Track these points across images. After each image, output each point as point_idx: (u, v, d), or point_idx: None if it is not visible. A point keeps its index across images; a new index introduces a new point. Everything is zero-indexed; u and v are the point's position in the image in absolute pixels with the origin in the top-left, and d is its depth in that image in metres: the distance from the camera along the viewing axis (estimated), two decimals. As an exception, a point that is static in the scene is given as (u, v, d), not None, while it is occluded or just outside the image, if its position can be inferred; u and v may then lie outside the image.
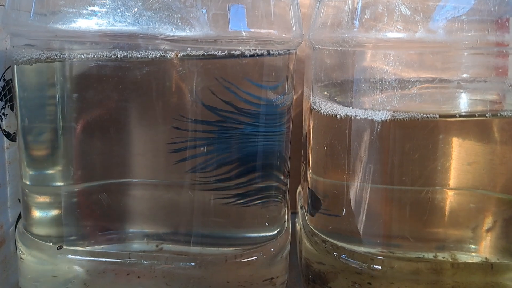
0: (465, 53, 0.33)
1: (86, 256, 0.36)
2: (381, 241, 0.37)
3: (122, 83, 0.33)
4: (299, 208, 0.47)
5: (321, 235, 0.39)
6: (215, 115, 0.34)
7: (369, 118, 0.33)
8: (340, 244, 0.37)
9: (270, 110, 0.36)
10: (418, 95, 0.34)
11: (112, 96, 0.34)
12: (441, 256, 0.36)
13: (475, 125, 0.35)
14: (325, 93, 0.38)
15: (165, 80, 0.33)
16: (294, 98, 0.55)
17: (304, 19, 0.44)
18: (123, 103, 0.34)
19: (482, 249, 0.37)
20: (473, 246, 0.37)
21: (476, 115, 0.33)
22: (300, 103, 0.55)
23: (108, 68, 0.32)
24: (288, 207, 0.43)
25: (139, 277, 0.36)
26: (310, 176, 0.41)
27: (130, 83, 0.33)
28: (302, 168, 0.49)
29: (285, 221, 0.40)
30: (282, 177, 0.39)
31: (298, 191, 0.50)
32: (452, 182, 0.36)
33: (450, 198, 0.37)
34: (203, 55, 0.32)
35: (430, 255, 0.36)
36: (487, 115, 0.32)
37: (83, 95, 0.34)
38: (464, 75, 0.34)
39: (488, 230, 0.36)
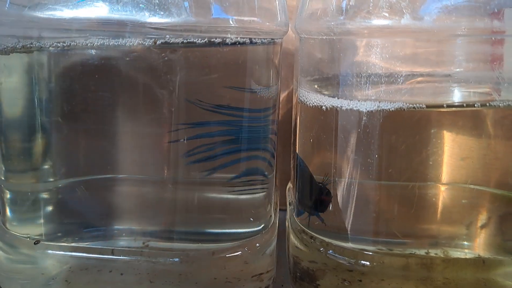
0: (458, 41, 0.32)
1: (68, 251, 0.36)
2: (370, 238, 0.36)
3: (100, 73, 0.32)
4: (288, 204, 0.46)
5: (308, 231, 0.38)
6: (196, 107, 0.33)
7: (355, 108, 0.32)
8: (328, 240, 0.36)
9: (254, 102, 0.35)
10: (408, 88, 0.33)
11: (90, 86, 0.33)
12: (433, 252, 0.35)
13: (467, 118, 0.34)
14: (313, 85, 0.37)
15: (144, 69, 0.32)
16: (286, 93, 0.55)
17: (294, 11, 0.43)
18: (102, 93, 0.33)
19: (475, 246, 0.36)
20: (466, 243, 0.36)
21: (464, 105, 0.32)
22: (290, 99, 0.55)
23: (85, 57, 0.32)
24: (276, 202, 0.42)
25: (122, 274, 0.35)
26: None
27: (108, 73, 0.32)
28: (292, 164, 0.48)
29: (271, 215, 0.39)
30: (267, 172, 0.38)
31: (288, 187, 0.49)
32: (444, 177, 0.35)
33: (442, 194, 0.36)
34: (183, 42, 0.31)
35: (422, 252, 0.35)
36: (475, 105, 0.31)
37: (60, 85, 0.33)
38: (457, 69, 0.33)
39: (482, 227, 0.35)
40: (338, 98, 0.33)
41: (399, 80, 0.32)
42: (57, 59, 0.33)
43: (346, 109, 0.32)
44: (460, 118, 0.34)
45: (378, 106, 0.31)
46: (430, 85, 0.33)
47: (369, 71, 0.32)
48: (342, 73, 0.34)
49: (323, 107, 0.34)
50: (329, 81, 0.35)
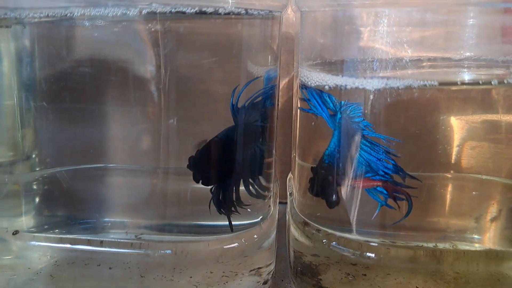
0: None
1: (54, 243, 0.34)
2: (375, 230, 0.34)
3: (82, 48, 0.30)
4: (288, 194, 0.43)
5: (312, 223, 0.35)
6: (186, 86, 0.31)
7: (361, 87, 0.29)
8: (331, 231, 0.34)
9: (251, 84, 0.32)
10: (417, 67, 0.30)
11: (73, 64, 0.31)
12: (441, 246, 0.33)
13: (479, 99, 0.31)
14: (313, 62, 0.34)
15: (128, 42, 0.30)
16: (286, 80, 0.52)
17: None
18: (85, 70, 0.31)
19: (486, 240, 0.34)
20: (476, 236, 0.34)
21: (480, 82, 0.29)
22: (291, 87, 0.52)
23: (66, 30, 0.29)
24: (275, 193, 0.40)
25: (110, 268, 0.33)
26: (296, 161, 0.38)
27: (91, 48, 0.30)
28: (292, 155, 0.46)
29: (269, 206, 0.37)
30: (265, 161, 0.35)
31: (288, 177, 0.47)
32: (453, 167, 0.33)
33: (451, 184, 0.34)
34: (170, 12, 0.28)
35: (430, 245, 0.33)
36: (492, 82, 0.29)
37: (40, 63, 0.31)
38: (467, 53, 0.31)
39: (492, 219, 0.33)
40: (342, 76, 0.30)
41: (411, 65, 0.29)
42: (36, 33, 0.31)
43: (351, 88, 0.30)
44: (472, 100, 0.31)
45: (386, 84, 0.28)
46: (442, 64, 0.31)
47: (374, 54, 0.30)
48: (346, 50, 0.31)
49: (326, 86, 0.31)
50: (332, 60, 0.33)
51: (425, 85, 0.28)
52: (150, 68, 0.31)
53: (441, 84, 0.28)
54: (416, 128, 0.31)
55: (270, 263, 0.36)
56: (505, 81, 0.29)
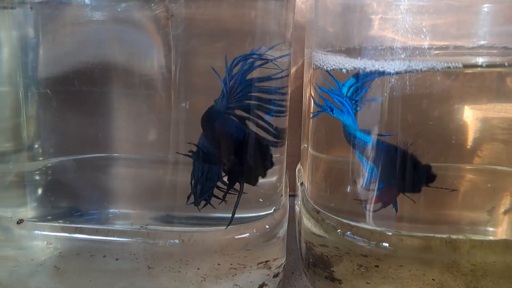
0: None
1: (57, 232, 0.33)
2: (389, 222, 0.33)
3: (89, 33, 0.29)
4: (298, 185, 0.42)
5: (326, 213, 0.34)
6: (197, 74, 0.30)
7: (380, 70, 0.28)
8: (346, 221, 0.33)
9: (261, 70, 0.31)
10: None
11: (79, 49, 0.30)
12: (455, 237, 0.32)
13: (499, 85, 0.30)
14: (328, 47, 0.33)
15: (136, 26, 0.29)
16: (294, 69, 0.51)
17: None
18: (92, 53, 0.30)
19: (499, 232, 0.33)
20: (490, 229, 0.33)
21: (506, 64, 0.28)
22: (300, 76, 0.51)
23: (69, 12, 0.28)
24: (285, 182, 0.39)
25: (117, 259, 0.32)
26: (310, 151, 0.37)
27: (95, 32, 0.29)
28: (302, 146, 0.45)
29: (281, 195, 0.36)
30: (277, 148, 0.34)
31: (298, 168, 0.46)
32: (467, 158, 0.32)
33: (465, 176, 0.33)
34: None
35: (443, 236, 0.32)
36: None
37: (43, 49, 0.30)
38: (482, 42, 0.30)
39: (506, 211, 0.32)
40: (361, 59, 0.29)
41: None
42: (40, 17, 0.29)
43: (370, 71, 0.29)
44: (491, 88, 0.30)
45: (408, 66, 0.27)
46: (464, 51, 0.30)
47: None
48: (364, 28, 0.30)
49: (343, 70, 0.30)
50: (348, 40, 0.31)
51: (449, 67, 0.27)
52: (159, 52, 0.30)
53: (465, 66, 0.27)
54: (429, 119, 0.30)
55: (281, 256, 0.35)
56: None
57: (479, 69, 0.28)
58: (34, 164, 0.34)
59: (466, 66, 0.27)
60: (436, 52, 0.28)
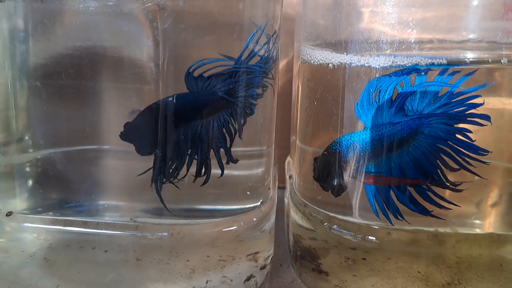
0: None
1: (47, 225, 0.33)
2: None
3: (79, 24, 0.29)
4: (287, 177, 0.43)
5: (313, 206, 0.34)
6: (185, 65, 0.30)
7: (366, 65, 0.28)
8: (333, 215, 0.33)
9: (250, 59, 0.31)
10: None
11: (63, 39, 0.30)
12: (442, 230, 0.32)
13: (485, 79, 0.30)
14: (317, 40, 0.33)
15: (125, 18, 0.29)
16: (285, 62, 0.51)
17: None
18: (81, 46, 0.30)
19: (486, 225, 0.33)
20: (477, 222, 0.33)
21: (490, 60, 0.28)
22: (291, 68, 0.51)
23: (58, 4, 0.28)
24: (274, 175, 0.39)
25: (106, 251, 0.32)
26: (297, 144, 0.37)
27: (85, 24, 0.29)
28: (291, 139, 0.45)
29: (269, 188, 0.36)
30: (265, 141, 0.34)
31: (287, 160, 0.46)
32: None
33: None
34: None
35: (430, 229, 0.32)
36: (502, 61, 0.28)
37: (33, 41, 0.30)
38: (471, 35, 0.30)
39: (493, 204, 0.33)
40: (347, 54, 0.29)
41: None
42: (30, 9, 0.29)
43: (356, 66, 0.29)
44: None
45: (393, 62, 0.27)
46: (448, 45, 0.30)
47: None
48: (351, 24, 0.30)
49: (330, 65, 0.30)
50: (336, 35, 0.31)
51: (433, 63, 0.27)
52: (147, 45, 0.30)
53: (450, 62, 0.27)
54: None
55: (268, 248, 0.35)
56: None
57: (464, 66, 0.29)
58: (23, 156, 0.34)
59: (450, 62, 0.28)
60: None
